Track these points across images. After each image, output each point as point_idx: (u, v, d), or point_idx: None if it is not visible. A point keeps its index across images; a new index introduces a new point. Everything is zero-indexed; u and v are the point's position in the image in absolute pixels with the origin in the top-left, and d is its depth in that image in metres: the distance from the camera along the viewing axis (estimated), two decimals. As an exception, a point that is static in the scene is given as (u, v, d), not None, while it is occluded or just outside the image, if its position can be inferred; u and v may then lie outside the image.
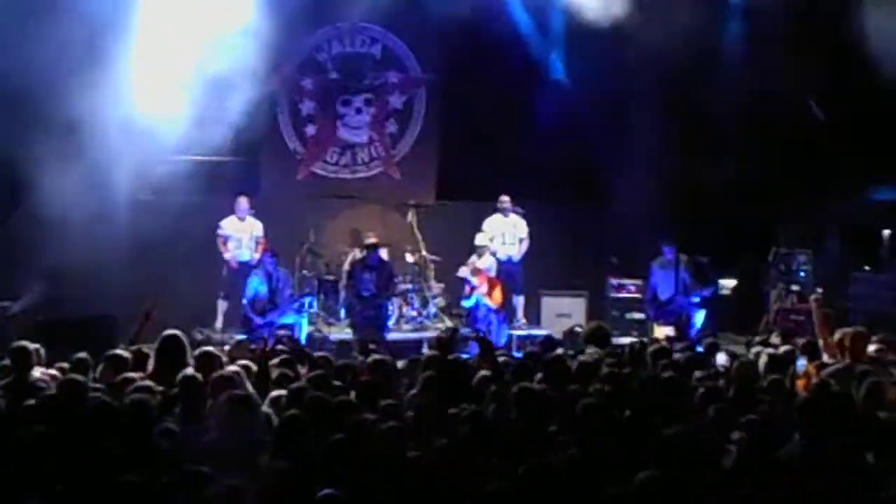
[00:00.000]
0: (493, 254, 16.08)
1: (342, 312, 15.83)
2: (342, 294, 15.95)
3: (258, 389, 8.42)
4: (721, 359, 9.73)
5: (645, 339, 12.45)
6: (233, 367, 9.07)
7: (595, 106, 16.90)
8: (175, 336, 9.32)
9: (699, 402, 7.76)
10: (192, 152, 15.58)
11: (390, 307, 15.74)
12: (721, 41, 17.19)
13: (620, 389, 8.38)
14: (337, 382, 8.71)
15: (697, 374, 9.11)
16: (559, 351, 9.95)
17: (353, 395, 8.13)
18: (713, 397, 7.83)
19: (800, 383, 9.05)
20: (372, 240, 15.69)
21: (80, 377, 8.52)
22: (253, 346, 10.68)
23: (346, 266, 16.04)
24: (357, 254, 16.00)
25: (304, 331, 14.90)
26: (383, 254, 15.79)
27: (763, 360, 9.65)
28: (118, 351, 9.67)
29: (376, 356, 9.52)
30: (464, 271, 15.70)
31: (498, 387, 8.14)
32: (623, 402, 8.07)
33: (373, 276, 14.95)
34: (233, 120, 15.66)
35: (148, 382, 8.23)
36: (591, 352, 10.11)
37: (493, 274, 15.69)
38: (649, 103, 16.82)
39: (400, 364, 10.02)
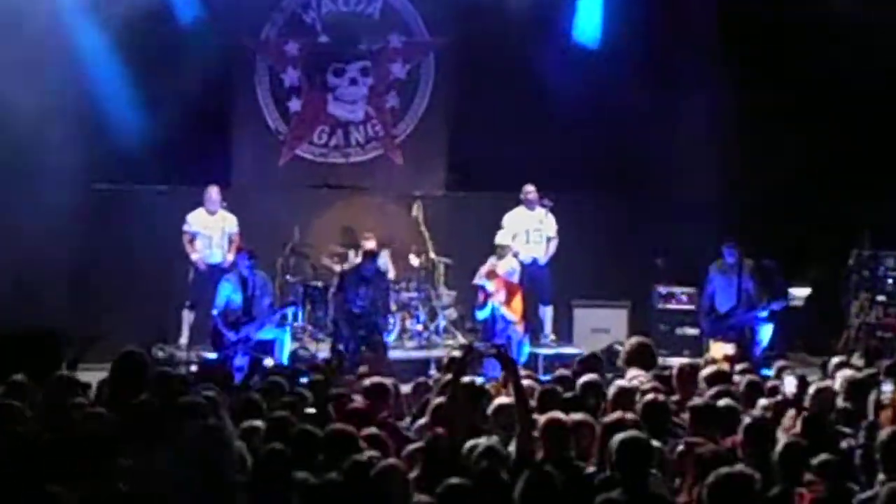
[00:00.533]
0: (516, 255, 16.09)
1: (331, 324, 15.88)
2: (332, 302, 15.99)
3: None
4: (790, 384, 9.77)
5: (699, 361, 12.47)
6: (200, 392, 9.16)
7: (638, 77, 16.91)
8: (134, 354, 9.38)
9: (763, 438, 7.80)
10: (149, 134, 15.68)
11: (390, 321, 15.82)
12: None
13: (668, 421, 8.43)
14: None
15: (762, 403, 9.16)
16: (593, 375, 9.96)
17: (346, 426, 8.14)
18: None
19: (885, 414, 9.08)
20: (371, 244, 15.76)
21: (15, 403, 8.59)
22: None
23: (336, 275, 16.06)
24: (353, 258, 16.04)
25: (286, 348, 14.93)
26: (384, 260, 15.86)
27: (840, 385, 9.70)
28: (64, 372, 9.72)
29: (374, 379, 9.59)
30: (479, 277, 15.73)
31: (522, 417, 8.19)
32: (671, 435, 8.14)
33: (368, 290, 14.99)
34: (198, 93, 15.75)
35: (100, 410, 8.27)
36: (634, 374, 10.16)
37: (514, 279, 15.67)
38: (704, 75, 16.85)
39: (404, 389, 10.09)
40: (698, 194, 16.62)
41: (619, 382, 9.48)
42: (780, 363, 11.85)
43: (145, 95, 15.82)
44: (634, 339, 11.38)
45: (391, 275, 16.35)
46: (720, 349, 15.02)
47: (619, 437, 7.19)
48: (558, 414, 8.03)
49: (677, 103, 16.94)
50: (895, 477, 7.05)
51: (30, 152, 14.59)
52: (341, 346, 14.56)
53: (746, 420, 8.03)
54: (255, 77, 17.47)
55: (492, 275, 15.53)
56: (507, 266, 15.71)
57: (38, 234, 14.32)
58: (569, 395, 9.41)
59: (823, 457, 7.30)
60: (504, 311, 15.35)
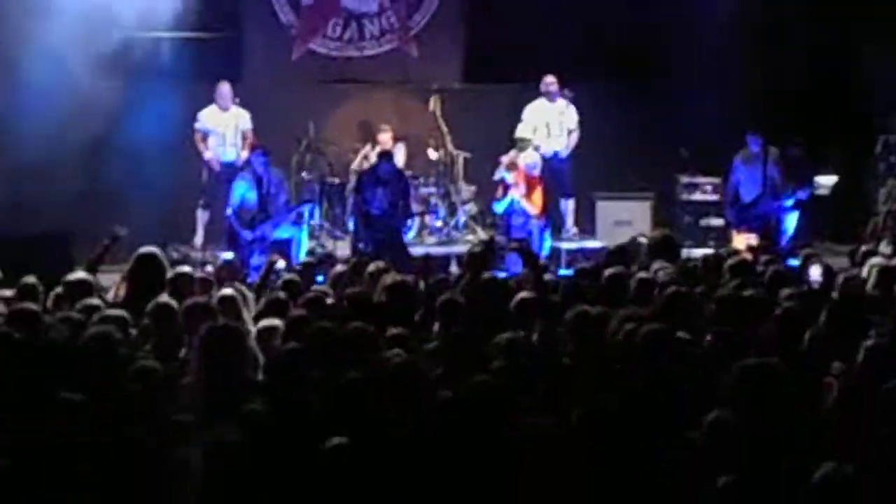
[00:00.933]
0: (537, 148, 16.06)
1: (351, 224, 15.87)
2: (350, 201, 15.98)
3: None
4: (815, 273, 9.77)
5: (723, 251, 12.47)
6: (216, 293, 9.21)
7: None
8: (152, 255, 9.41)
9: (793, 328, 7.79)
10: (158, 27, 15.61)
11: (408, 222, 15.78)
12: None
13: (692, 312, 8.42)
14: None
15: (786, 292, 9.13)
16: (619, 267, 9.94)
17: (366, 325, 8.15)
18: (807, 321, 7.87)
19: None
20: (387, 137, 15.72)
21: (32, 306, 8.62)
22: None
23: (353, 176, 16.04)
24: (371, 155, 16.01)
25: (303, 247, 14.96)
26: (399, 156, 15.82)
27: (868, 272, 9.68)
28: (80, 274, 9.72)
29: (395, 277, 9.59)
30: (500, 169, 15.72)
31: (545, 312, 8.20)
32: (695, 328, 8.14)
33: (386, 191, 14.92)
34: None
35: (117, 312, 8.29)
36: (658, 267, 10.15)
37: (534, 172, 15.66)
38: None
39: (423, 286, 10.10)
40: (722, 83, 16.48)
41: (641, 275, 9.47)
42: (806, 252, 11.83)
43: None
44: (658, 232, 11.40)
45: (403, 165, 16.24)
46: (744, 239, 15.04)
47: (643, 329, 7.21)
48: (586, 306, 8.04)
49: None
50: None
51: (48, 53, 14.51)
52: (360, 246, 14.58)
53: (776, 310, 8.00)
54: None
55: (512, 167, 15.55)
56: (527, 159, 15.71)
57: (45, 132, 14.27)
58: (593, 288, 9.41)
59: (852, 345, 7.28)
60: (524, 204, 15.38)
